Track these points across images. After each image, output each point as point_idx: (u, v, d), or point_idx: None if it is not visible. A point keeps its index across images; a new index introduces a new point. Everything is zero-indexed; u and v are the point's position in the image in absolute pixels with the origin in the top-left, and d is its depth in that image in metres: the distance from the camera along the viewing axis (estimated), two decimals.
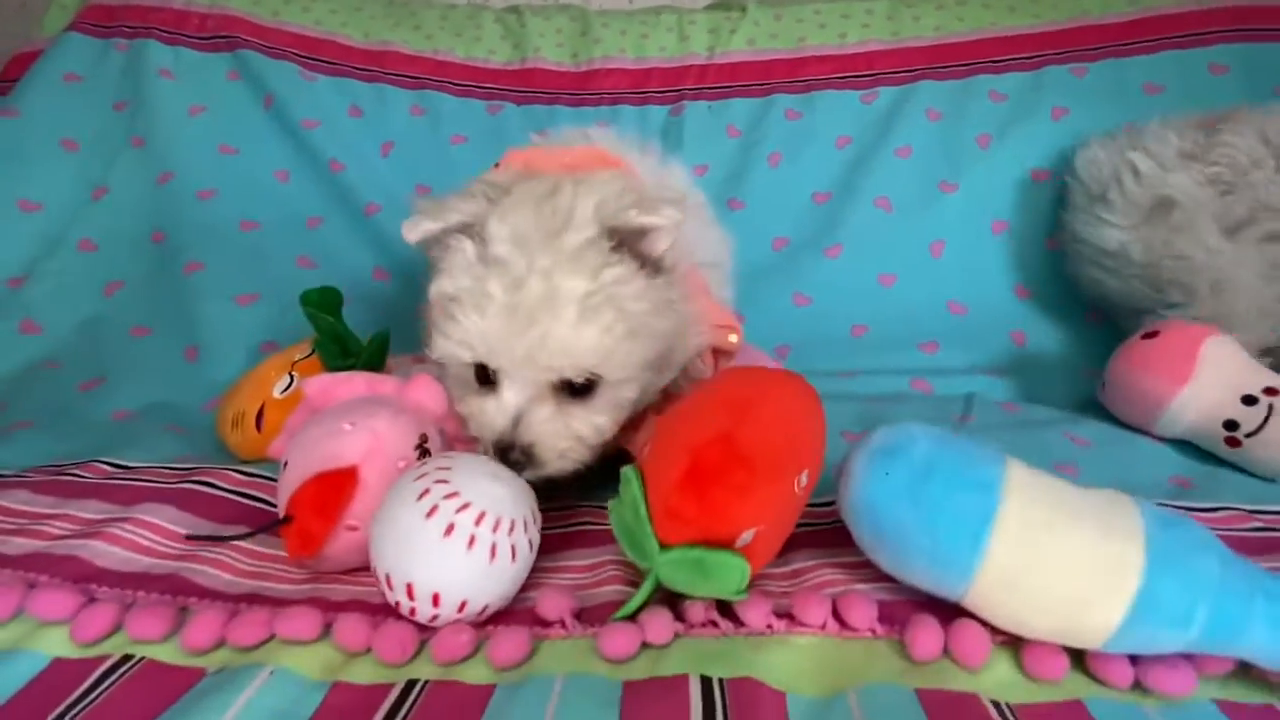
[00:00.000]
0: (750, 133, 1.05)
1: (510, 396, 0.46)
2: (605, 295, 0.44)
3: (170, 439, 0.69)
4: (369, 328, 0.75)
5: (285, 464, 0.44)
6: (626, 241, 0.46)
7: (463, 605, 0.38)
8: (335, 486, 0.41)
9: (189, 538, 0.44)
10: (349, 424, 0.43)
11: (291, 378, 0.63)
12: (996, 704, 0.35)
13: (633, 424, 0.53)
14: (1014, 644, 0.39)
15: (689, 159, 1.04)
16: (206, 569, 0.45)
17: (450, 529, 0.37)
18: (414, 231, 0.48)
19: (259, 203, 0.98)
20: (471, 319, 0.45)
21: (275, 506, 0.52)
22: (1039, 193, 0.96)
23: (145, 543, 0.47)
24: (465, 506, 0.37)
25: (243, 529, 0.45)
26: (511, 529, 0.39)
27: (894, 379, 0.87)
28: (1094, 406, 0.78)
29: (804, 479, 0.39)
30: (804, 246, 0.99)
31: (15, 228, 0.89)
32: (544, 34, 1.13)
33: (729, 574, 0.36)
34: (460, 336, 0.46)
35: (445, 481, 0.38)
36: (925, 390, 0.86)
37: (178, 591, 0.42)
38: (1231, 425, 0.62)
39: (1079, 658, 0.38)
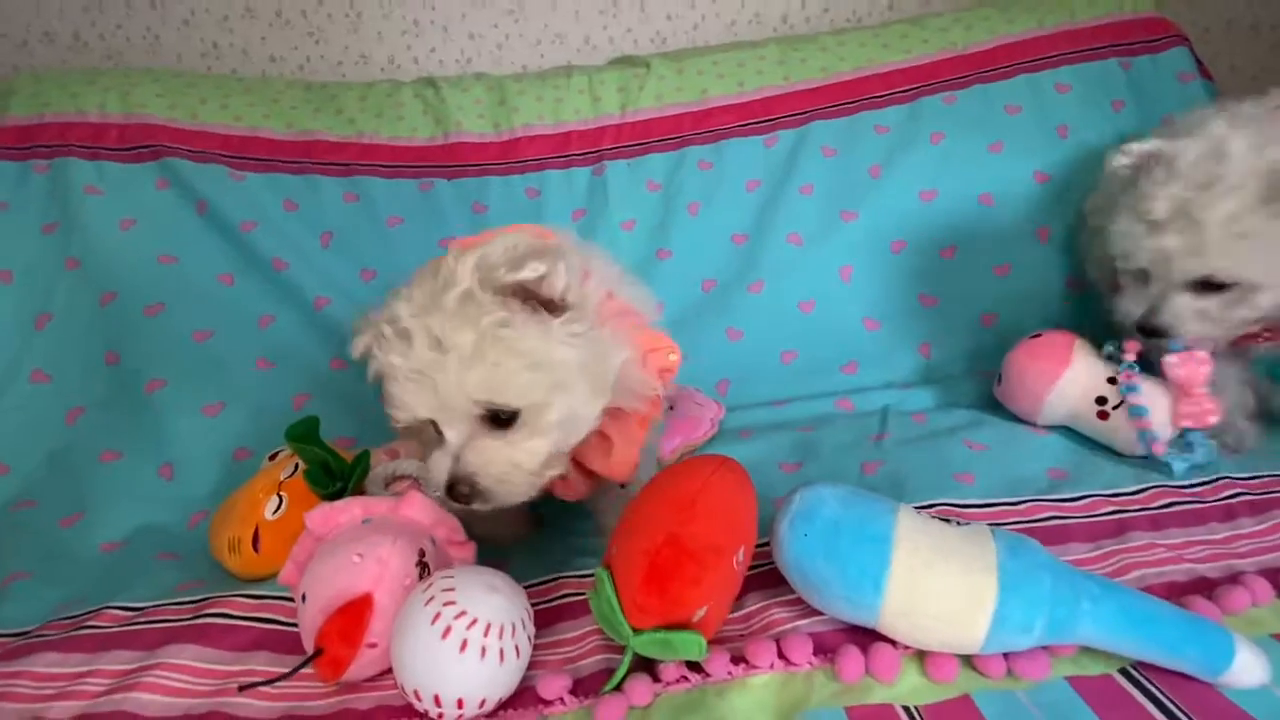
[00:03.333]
0: (669, 185, 1.13)
1: (452, 438, 0.54)
2: (491, 338, 0.51)
3: (165, 568, 0.73)
4: (334, 420, 0.81)
5: (304, 597, 0.51)
6: (525, 290, 0.52)
7: (481, 703, 0.46)
8: (355, 615, 0.48)
9: (241, 689, 0.50)
10: (357, 555, 0.50)
11: (280, 498, 0.68)
12: (907, 709, 0.46)
13: (591, 446, 0.59)
14: (919, 656, 0.49)
15: (616, 216, 1.14)
16: (240, 699, 0.51)
17: (464, 645, 0.44)
18: (355, 350, 0.58)
19: (208, 310, 1.00)
20: (394, 387, 0.54)
21: (290, 626, 0.59)
22: (927, 211, 1.09)
23: (180, 685, 0.53)
24: (473, 623, 0.45)
25: (284, 669, 0.51)
26: (514, 632, 0.47)
27: (821, 402, 0.98)
28: (992, 404, 0.92)
29: (741, 555, 0.48)
30: (730, 285, 1.08)
31: None
32: (463, 106, 1.17)
33: (690, 647, 0.45)
34: (393, 405, 0.55)
35: (452, 603, 0.46)
36: (848, 409, 0.97)
37: None
38: (1101, 400, 0.78)
39: (967, 659, 0.49)
